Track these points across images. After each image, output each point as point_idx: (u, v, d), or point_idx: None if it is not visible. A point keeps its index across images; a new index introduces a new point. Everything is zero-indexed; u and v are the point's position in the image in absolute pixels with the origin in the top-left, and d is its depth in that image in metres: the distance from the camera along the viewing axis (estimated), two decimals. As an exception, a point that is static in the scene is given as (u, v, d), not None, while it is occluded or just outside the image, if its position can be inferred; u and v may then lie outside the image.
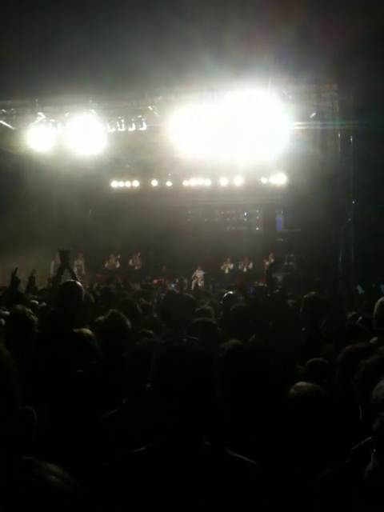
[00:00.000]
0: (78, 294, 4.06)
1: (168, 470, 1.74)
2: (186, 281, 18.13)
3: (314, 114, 13.56)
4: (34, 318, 4.18)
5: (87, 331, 4.21)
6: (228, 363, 2.78)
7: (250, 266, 18.41)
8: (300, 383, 2.63)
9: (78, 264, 18.96)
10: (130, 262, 19.86)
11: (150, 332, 4.49)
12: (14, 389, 2.69)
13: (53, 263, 18.05)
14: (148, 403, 1.83)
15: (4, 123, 15.29)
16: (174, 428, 1.77)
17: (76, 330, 3.98)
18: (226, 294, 7.07)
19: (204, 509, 1.70)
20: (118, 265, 19.48)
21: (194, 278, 18.50)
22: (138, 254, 19.57)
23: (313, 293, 4.82)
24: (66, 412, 2.85)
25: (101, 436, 2.65)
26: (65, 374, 3.24)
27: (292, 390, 2.63)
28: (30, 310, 4.29)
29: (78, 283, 4.27)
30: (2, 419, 2.51)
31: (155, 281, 17.49)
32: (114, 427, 2.63)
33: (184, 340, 1.87)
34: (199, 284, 17.64)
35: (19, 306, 4.33)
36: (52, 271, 16.78)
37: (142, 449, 1.82)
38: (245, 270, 18.43)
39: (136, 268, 19.74)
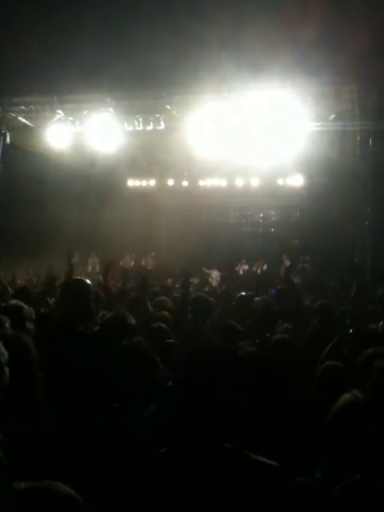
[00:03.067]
0: (86, 293, 3.92)
1: (189, 473, 1.71)
2: (196, 281, 18.21)
3: (333, 116, 13.48)
4: (30, 312, 4.15)
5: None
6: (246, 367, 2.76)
7: (264, 267, 18.33)
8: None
9: (93, 261, 19.00)
10: (143, 262, 19.88)
11: (164, 326, 4.50)
12: (38, 387, 2.68)
13: (73, 260, 18.12)
14: (171, 401, 1.83)
15: (23, 120, 15.42)
16: (194, 429, 1.75)
17: (84, 329, 3.90)
18: (238, 295, 7.06)
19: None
20: (132, 263, 19.51)
21: (209, 279, 18.46)
22: (152, 255, 19.57)
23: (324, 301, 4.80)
24: (70, 413, 2.83)
25: (100, 439, 2.64)
26: (70, 375, 3.20)
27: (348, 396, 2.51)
28: (24, 306, 4.26)
29: (87, 281, 4.13)
30: (26, 418, 2.50)
31: (169, 280, 17.51)
32: (109, 431, 2.64)
33: (206, 340, 1.87)
34: (214, 284, 17.59)
35: (13, 302, 4.29)
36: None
37: (161, 451, 1.80)
38: (258, 271, 18.35)
39: (148, 268, 19.75)
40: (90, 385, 3.14)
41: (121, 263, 19.27)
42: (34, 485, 1.49)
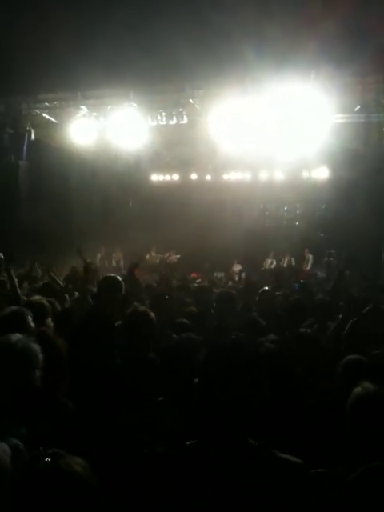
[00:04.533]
0: (118, 289, 4.05)
1: (213, 469, 1.72)
2: (221, 275, 18.20)
3: (358, 107, 13.29)
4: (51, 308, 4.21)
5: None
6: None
7: (292, 262, 18.22)
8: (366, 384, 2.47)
9: (117, 257, 19.14)
10: (167, 257, 19.92)
11: (186, 321, 4.52)
12: (63, 379, 2.71)
13: (99, 255, 18.30)
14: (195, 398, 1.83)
15: (47, 116, 15.55)
16: (219, 426, 1.76)
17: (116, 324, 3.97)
18: (262, 290, 7.05)
19: (253, 509, 1.67)
20: (158, 259, 19.60)
21: (231, 273, 18.43)
22: (173, 252, 19.60)
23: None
24: (96, 409, 2.86)
25: (121, 435, 2.65)
26: (100, 370, 3.23)
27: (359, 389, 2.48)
28: (45, 301, 4.29)
29: (118, 278, 4.27)
30: (47, 410, 2.53)
31: (194, 274, 17.54)
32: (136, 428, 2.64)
33: (233, 337, 1.88)
34: (236, 279, 17.55)
35: (36, 297, 4.32)
36: (98, 262, 16.98)
37: (188, 444, 1.82)
38: (285, 265, 18.24)
39: (173, 263, 19.78)
40: (110, 382, 3.16)
41: (146, 257, 19.36)
42: (53, 464, 1.54)
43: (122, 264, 18.80)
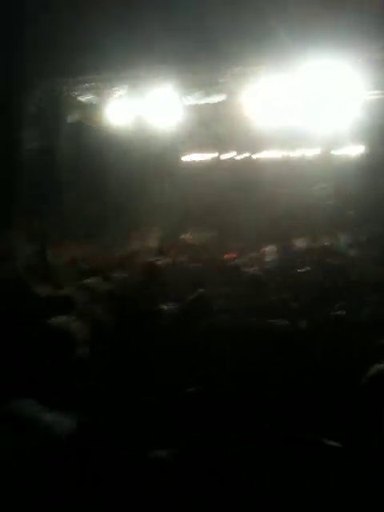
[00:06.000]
0: (159, 274, 4.11)
1: (229, 454, 1.82)
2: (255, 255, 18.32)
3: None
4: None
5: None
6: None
7: (325, 242, 18.27)
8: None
9: (152, 239, 19.42)
10: (202, 237, 20.11)
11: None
12: None
13: (134, 237, 18.63)
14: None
15: (85, 98, 15.94)
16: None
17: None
18: (292, 271, 7.13)
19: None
20: (193, 240, 19.83)
21: (263, 253, 18.58)
22: (207, 232, 19.79)
23: None
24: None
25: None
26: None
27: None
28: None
29: (158, 263, 4.27)
30: None
31: (229, 255, 17.77)
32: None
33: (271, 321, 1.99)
34: (268, 259, 17.71)
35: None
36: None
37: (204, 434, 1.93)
38: (318, 245, 18.30)
39: (207, 243, 19.96)
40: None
41: (181, 237, 19.66)
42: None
43: (157, 246, 19.14)
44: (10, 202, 15.12)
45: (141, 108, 15.05)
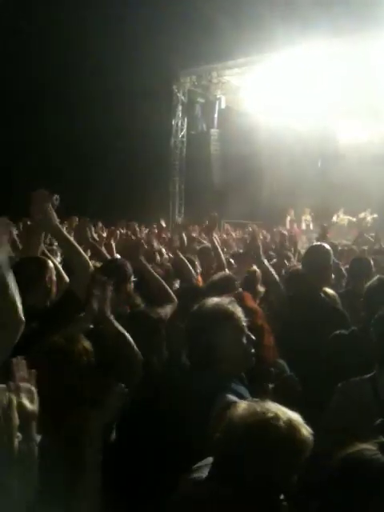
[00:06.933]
0: (326, 257, 3.80)
1: None
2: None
3: None
4: None
5: (331, 292, 3.99)
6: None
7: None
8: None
9: (306, 219, 19.02)
10: (361, 217, 19.22)
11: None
12: None
13: (288, 218, 18.41)
14: None
15: (235, 83, 16.02)
16: None
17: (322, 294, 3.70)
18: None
19: None
20: (346, 221, 19.07)
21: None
22: (368, 212, 18.85)
23: None
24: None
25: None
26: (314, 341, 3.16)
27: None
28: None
29: (326, 246, 3.96)
30: None
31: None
32: None
33: None
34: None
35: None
36: (287, 225, 17.18)
37: None
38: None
39: (367, 225, 18.99)
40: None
41: (334, 219, 18.95)
42: None
43: (311, 227, 18.68)
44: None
45: (291, 88, 14.76)
